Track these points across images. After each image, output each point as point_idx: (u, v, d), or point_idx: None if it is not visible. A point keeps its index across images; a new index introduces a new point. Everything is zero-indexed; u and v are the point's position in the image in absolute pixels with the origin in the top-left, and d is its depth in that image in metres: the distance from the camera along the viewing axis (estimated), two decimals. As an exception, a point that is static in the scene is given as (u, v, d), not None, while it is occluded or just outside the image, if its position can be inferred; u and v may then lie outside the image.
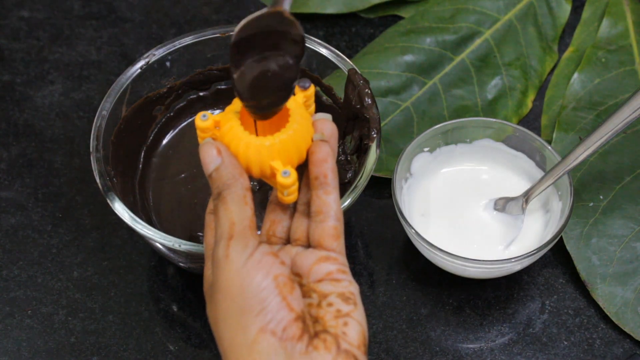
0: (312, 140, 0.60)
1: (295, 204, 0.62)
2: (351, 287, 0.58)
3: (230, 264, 0.56)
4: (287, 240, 0.62)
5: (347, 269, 0.59)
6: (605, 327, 0.77)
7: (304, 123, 0.60)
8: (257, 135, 0.59)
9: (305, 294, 0.58)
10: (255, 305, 0.55)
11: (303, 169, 0.61)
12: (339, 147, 0.79)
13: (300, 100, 0.61)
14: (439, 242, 0.74)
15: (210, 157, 0.58)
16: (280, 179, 0.58)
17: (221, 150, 0.58)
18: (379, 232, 0.82)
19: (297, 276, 0.59)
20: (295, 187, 0.59)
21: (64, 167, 0.86)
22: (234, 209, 0.57)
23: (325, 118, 0.61)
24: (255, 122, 0.61)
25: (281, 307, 0.55)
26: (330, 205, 0.59)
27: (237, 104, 0.60)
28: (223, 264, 0.56)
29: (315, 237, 0.60)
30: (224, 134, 0.59)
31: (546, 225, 0.77)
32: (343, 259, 0.59)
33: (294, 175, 0.59)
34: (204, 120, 0.60)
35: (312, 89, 0.62)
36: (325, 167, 0.59)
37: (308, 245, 0.61)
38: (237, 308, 0.55)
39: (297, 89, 0.62)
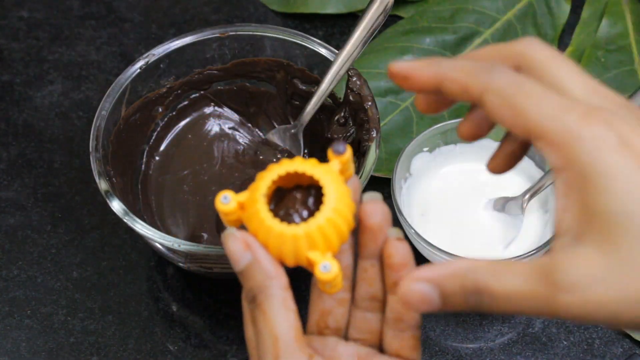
0: (365, 224, 0.51)
1: (350, 292, 0.54)
2: None
3: None
4: (340, 329, 0.53)
5: None
6: (605, 327, 0.77)
7: (341, 199, 0.50)
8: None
9: None
10: None
11: (356, 236, 0.53)
12: None
13: (335, 167, 0.51)
14: (438, 242, 0.74)
15: (237, 254, 0.50)
16: (320, 274, 0.50)
17: (250, 244, 0.50)
18: (378, 232, 0.82)
19: None
20: (339, 279, 0.50)
21: (63, 167, 0.86)
22: (275, 318, 0.49)
23: (375, 199, 0.52)
24: (286, 204, 0.52)
25: None
26: (413, 315, 0.51)
27: (263, 185, 0.51)
28: None
29: (394, 347, 0.52)
30: (250, 219, 0.51)
31: (545, 225, 0.77)
32: None
33: (335, 267, 0.50)
34: (225, 203, 0.51)
35: (348, 152, 0.52)
36: (407, 271, 0.51)
37: (377, 345, 0.53)
38: None
39: (330, 154, 0.52)
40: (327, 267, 0.49)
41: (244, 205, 0.51)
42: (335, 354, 0.52)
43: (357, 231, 0.52)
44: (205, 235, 0.77)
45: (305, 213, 0.51)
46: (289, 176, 0.51)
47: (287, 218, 0.51)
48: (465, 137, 0.52)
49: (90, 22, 0.95)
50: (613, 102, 0.45)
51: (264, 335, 0.49)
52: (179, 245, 0.69)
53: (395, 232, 0.51)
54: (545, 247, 0.73)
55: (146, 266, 0.80)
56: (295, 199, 0.51)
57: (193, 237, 0.77)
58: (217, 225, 0.78)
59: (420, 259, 0.79)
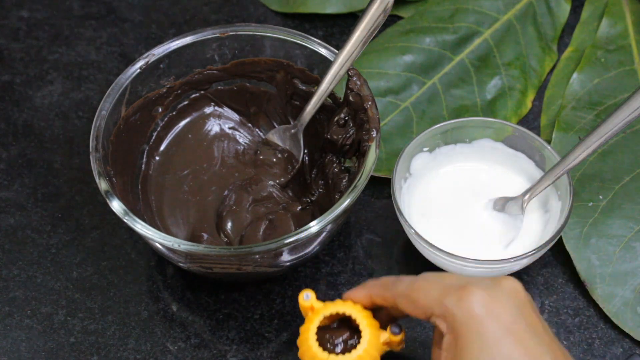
0: None
1: None
2: None
3: None
4: None
5: None
6: (605, 327, 0.77)
7: (372, 353, 0.64)
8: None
9: None
10: None
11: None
12: (334, 157, 0.79)
13: (384, 337, 0.65)
14: (438, 242, 0.74)
15: None
16: None
17: None
18: (379, 232, 0.82)
19: None
20: None
21: (63, 167, 0.86)
22: None
23: None
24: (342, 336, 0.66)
25: None
26: None
27: (328, 310, 0.65)
28: None
29: None
30: (307, 322, 0.65)
31: (545, 225, 0.77)
32: None
33: None
34: (306, 300, 0.66)
35: (401, 335, 0.66)
36: None
37: None
38: None
39: (388, 328, 0.65)
40: None
41: (313, 309, 0.66)
42: None
43: None
44: (205, 235, 0.77)
45: (338, 348, 0.65)
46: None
47: (323, 341, 0.65)
48: None
49: (90, 22, 0.95)
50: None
51: None
52: (179, 245, 0.69)
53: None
54: (545, 247, 0.73)
55: (146, 266, 0.80)
56: (340, 334, 0.65)
57: (193, 237, 0.77)
58: (217, 225, 0.78)
59: (420, 259, 0.79)
